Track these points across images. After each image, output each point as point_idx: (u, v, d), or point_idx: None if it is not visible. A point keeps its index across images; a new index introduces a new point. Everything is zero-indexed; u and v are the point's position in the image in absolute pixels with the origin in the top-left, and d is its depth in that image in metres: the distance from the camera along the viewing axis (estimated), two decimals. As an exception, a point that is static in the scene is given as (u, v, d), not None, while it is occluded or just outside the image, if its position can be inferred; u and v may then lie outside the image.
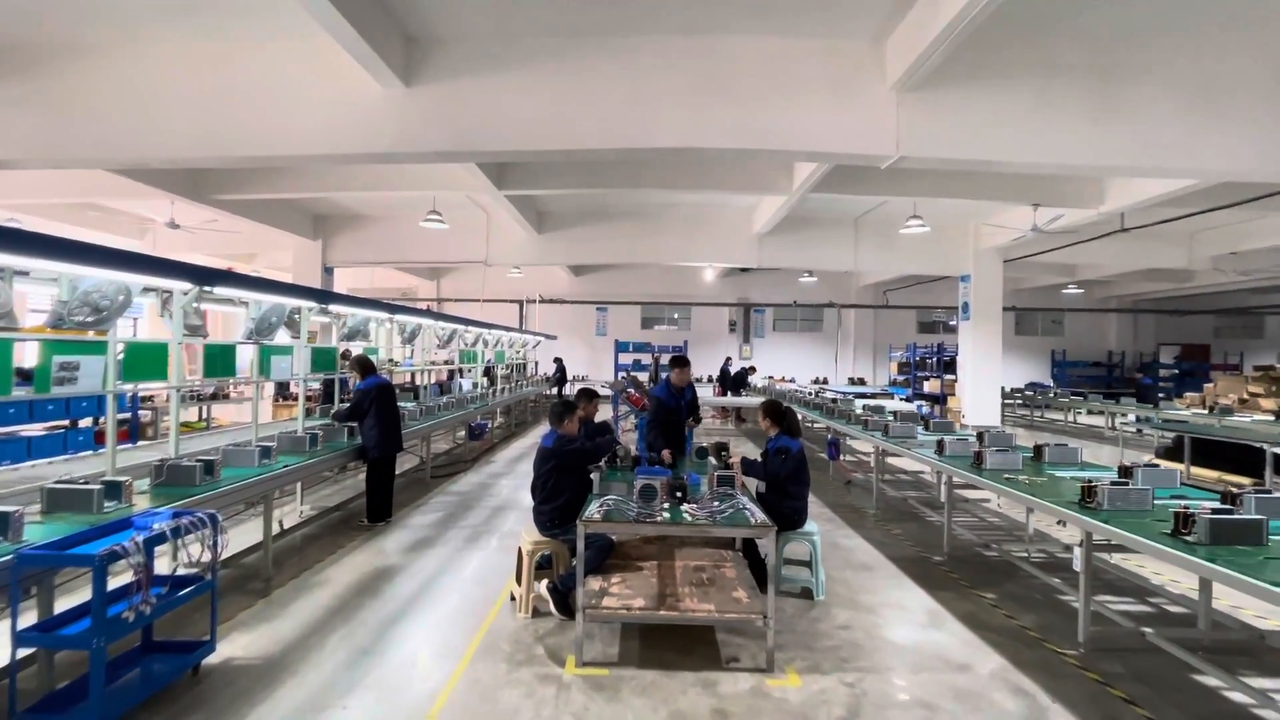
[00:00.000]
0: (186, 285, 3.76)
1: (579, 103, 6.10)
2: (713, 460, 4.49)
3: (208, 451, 4.35)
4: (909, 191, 9.73)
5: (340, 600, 4.00)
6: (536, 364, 19.18)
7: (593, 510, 3.32)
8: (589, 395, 4.85)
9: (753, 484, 4.35)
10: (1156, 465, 4.44)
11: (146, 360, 4.15)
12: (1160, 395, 17.47)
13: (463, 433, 9.58)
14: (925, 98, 6.05)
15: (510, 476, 7.89)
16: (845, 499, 7.04)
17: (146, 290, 3.77)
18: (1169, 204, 9.44)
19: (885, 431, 6.72)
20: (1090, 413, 15.20)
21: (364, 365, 5.75)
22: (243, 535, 5.07)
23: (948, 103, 6.07)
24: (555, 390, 17.98)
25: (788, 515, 4.07)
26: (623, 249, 13.63)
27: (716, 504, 3.54)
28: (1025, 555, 4.99)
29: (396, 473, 7.76)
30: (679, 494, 3.59)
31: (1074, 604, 4.04)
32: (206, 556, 2.86)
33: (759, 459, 4.29)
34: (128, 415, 8.82)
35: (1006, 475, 4.49)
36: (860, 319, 21.29)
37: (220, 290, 4.10)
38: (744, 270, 19.39)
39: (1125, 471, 4.26)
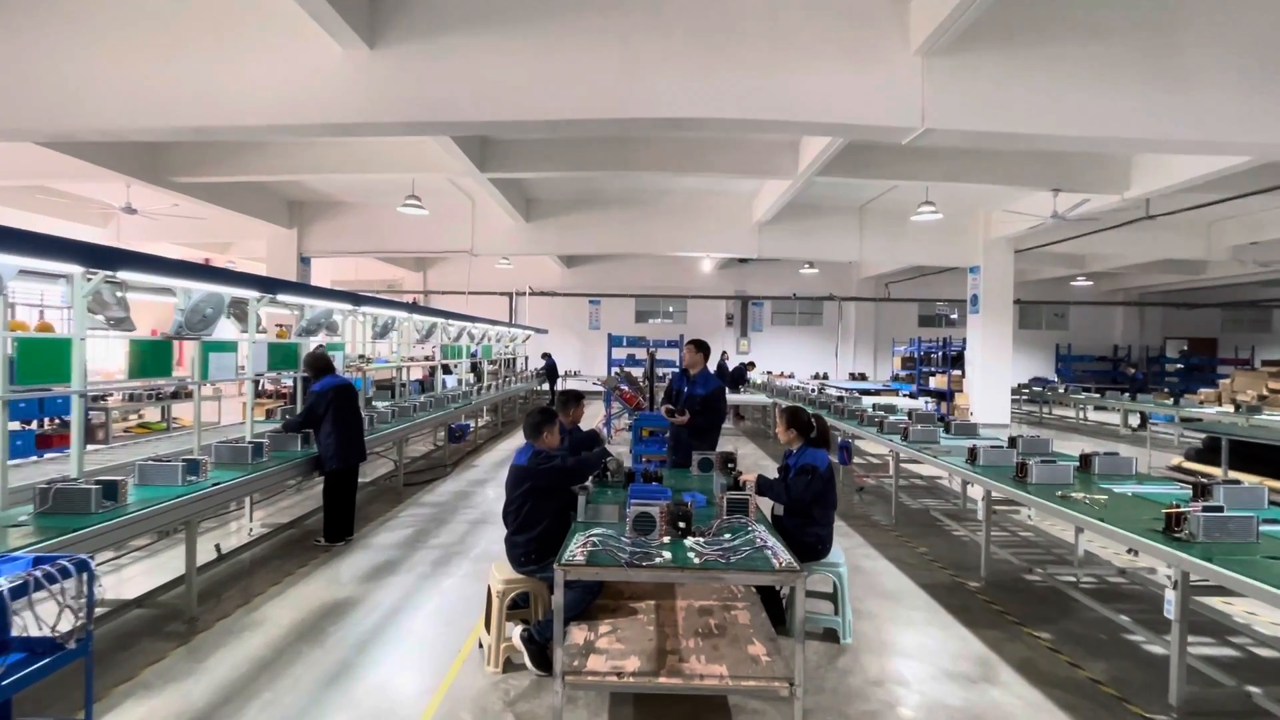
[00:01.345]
0: (72, 268, 3.06)
1: (565, 67, 5.41)
2: (719, 477, 3.83)
3: (121, 469, 3.67)
4: (922, 175, 9.07)
5: (275, 648, 3.33)
6: (526, 359, 18.47)
7: (574, 549, 2.66)
8: (574, 399, 4.18)
9: (765, 502, 3.70)
10: (1221, 478, 3.85)
11: (43, 359, 3.45)
12: (1165, 390, 16.93)
13: (444, 434, 8.88)
14: (954, 63, 5.39)
15: (493, 483, 7.22)
16: (858, 509, 6.41)
17: (25, 273, 3.06)
18: (1197, 190, 8.85)
19: (904, 435, 6.09)
20: (1096, 408, 14.68)
21: (319, 364, 5.06)
22: (175, 562, 4.38)
23: (980, 69, 5.41)
24: (545, 387, 17.29)
25: (810, 544, 3.43)
26: (615, 238, 12.92)
27: (728, 537, 2.89)
28: (1074, 580, 4.38)
29: (365, 480, 7.13)
30: (682, 524, 2.94)
31: (1148, 647, 3.43)
32: (67, 622, 2.17)
33: (777, 476, 3.64)
34: (69, 418, 8.10)
35: (1059, 492, 3.86)
36: (861, 312, 20.67)
37: (129, 276, 3.39)
38: (742, 261, 18.71)
39: (1202, 490, 3.65)
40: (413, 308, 7.66)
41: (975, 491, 6.25)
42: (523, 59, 5.44)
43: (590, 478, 3.56)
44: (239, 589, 4.08)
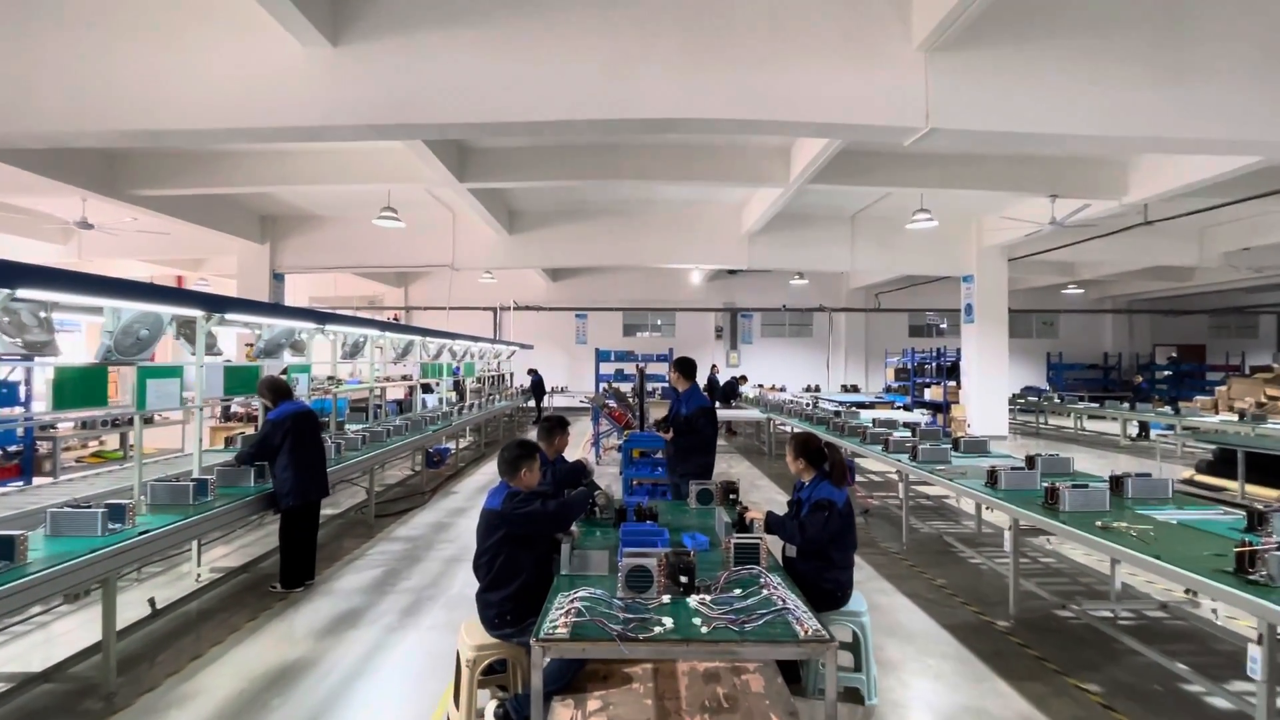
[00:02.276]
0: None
1: (546, 65, 5.03)
2: (722, 513, 3.38)
3: (29, 518, 3.16)
4: (917, 182, 8.81)
5: (207, 729, 2.83)
6: (511, 375, 17.96)
7: (555, 617, 2.21)
8: (557, 426, 3.73)
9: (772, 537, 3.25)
10: (1239, 493, 3.48)
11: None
12: (1158, 398, 16.75)
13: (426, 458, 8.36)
14: (959, 60, 5.08)
15: (472, 513, 6.72)
16: (864, 534, 6.00)
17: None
18: (1194, 195, 8.65)
19: (913, 455, 5.70)
20: (1091, 417, 14.45)
21: (275, 390, 4.57)
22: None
23: (986, 65, 5.11)
24: (532, 404, 16.79)
25: (828, 592, 3.00)
26: (601, 250, 12.54)
27: (739, 593, 2.45)
28: (1112, 615, 3.98)
29: (334, 513, 6.59)
30: (684, 578, 2.49)
31: (1212, 700, 3.03)
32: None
33: (788, 512, 3.21)
34: (18, 448, 7.50)
35: (1099, 522, 3.47)
36: (851, 323, 20.44)
37: (36, 295, 2.91)
38: (731, 273, 18.43)
39: (1258, 518, 3.28)
40: (385, 325, 7.18)
41: (992, 514, 5.87)
42: (500, 56, 5.06)
43: (575, 522, 3.10)
44: (174, 651, 3.56)
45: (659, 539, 2.97)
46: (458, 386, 12.94)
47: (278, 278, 12.54)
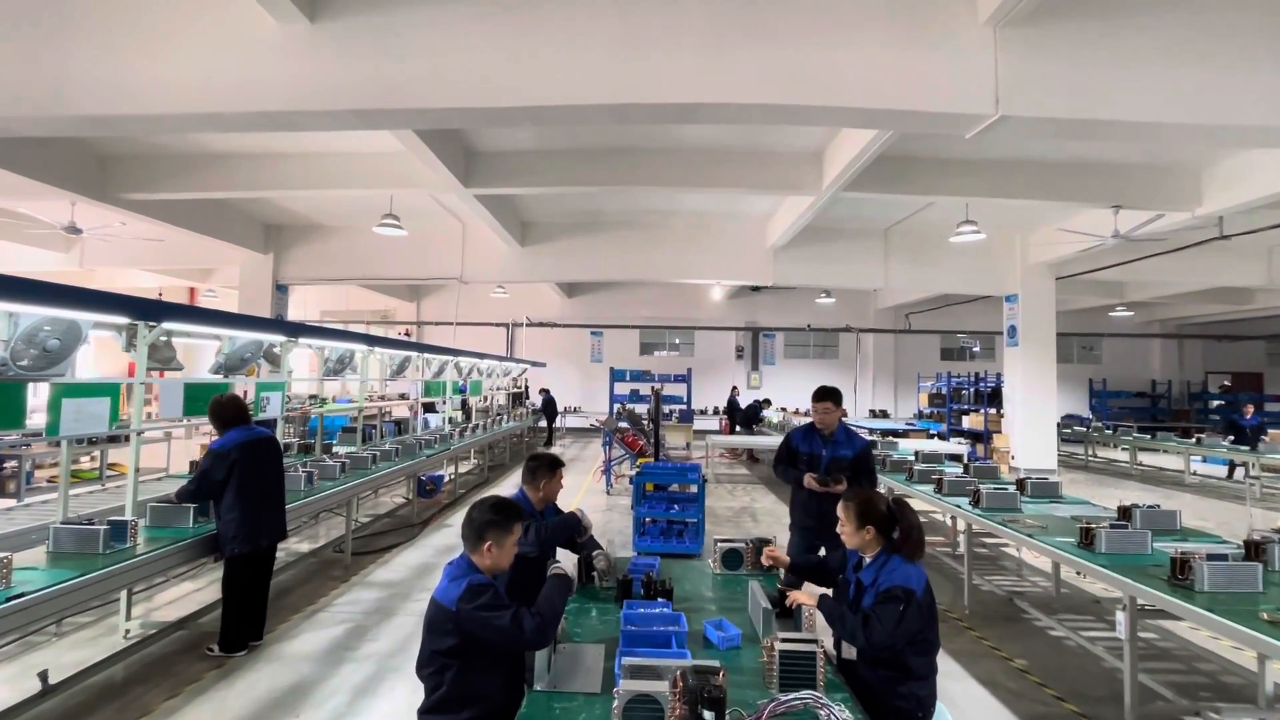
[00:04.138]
0: None
1: (550, 43, 4.38)
2: (759, 590, 2.56)
3: None
4: (963, 190, 8.00)
5: None
6: (526, 391, 17.29)
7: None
8: (546, 467, 2.95)
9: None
10: None
11: None
12: (1205, 429, 15.43)
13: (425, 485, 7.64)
14: (1034, 34, 4.32)
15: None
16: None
17: None
18: (1271, 207, 7.74)
19: (975, 500, 4.85)
20: (1141, 449, 13.25)
21: (225, 413, 3.87)
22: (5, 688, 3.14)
23: (1067, 40, 4.33)
24: (544, 424, 16.06)
25: (905, 712, 2.18)
26: (617, 265, 11.86)
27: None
28: (1259, 726, 3.08)
29: (308, 548, 5.86)
30: (708, 713, 1.70)
31: None
32: None
33: (846, 595, 2.40)
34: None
35: (1264, 613, 2.61)
36: (879, 345, 19.47)
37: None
38: (754, 290, 17.65)
39: None
40: (373, 339, 6.52)
41: (1073, 573, 4.95)
42: (496, 33, 4.41)
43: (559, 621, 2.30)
44: (62, 744, 2.84)
45: (674, 633, 2.18)
46: (464, 406, 12.29)
47: (281, 289, 12.05)
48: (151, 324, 3.59)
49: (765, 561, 2.88)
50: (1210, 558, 2.98)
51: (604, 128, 7.07)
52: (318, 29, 4.44)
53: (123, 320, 3.39)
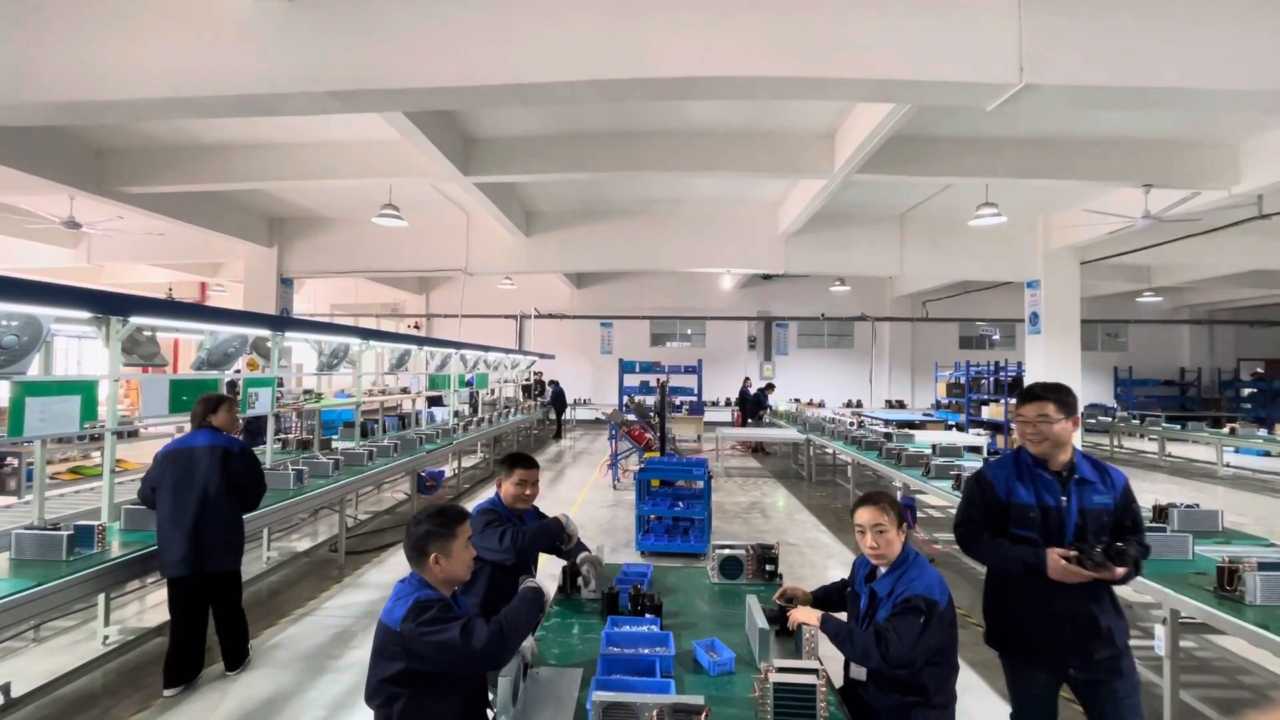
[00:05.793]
0: None
1: (538, 15, 4.12)
2: (756, 607, 2.30)
3: None
4: (983, 170, 7.60)
5: None
6: (538, 383, 17.13)
7: None
8: (506, 465, 2.70)
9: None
10: None
11: None
12: (1238, 419, 14.85)
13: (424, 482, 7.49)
14: (1061, -4, 3.99)
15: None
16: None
17: None
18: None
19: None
20: (1170, 439, 12.73)
21: (193, 413, 3.67)
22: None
23: (1093, 3, 4.00)
24: (553, 418, 15.90)
25: (921, 745, 1.92)
26: (625, 254, 11.58)
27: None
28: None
29: (304, 547, 5.68)
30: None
31: None
32: None
33: (860, 613, 2.14)
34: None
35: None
36: (896, 334, 19.02)
37: None
38: (765, 278, 17.27)
39: None
40: (367, 332, 6.34)
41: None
42: (482, 6, 4.16)
43: (534, 628, 2.09)
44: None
45: (658, 656, 1.95)
46: (472, 399, 12.16)
47: (286, 283, 11.96)
48: (121, 319, 3.40)
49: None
50: (1262, 566, 2.69)
51: (605, 109, 6.80)
52: (294, 7, 4.22)
53: (85, 315, 3.21)
